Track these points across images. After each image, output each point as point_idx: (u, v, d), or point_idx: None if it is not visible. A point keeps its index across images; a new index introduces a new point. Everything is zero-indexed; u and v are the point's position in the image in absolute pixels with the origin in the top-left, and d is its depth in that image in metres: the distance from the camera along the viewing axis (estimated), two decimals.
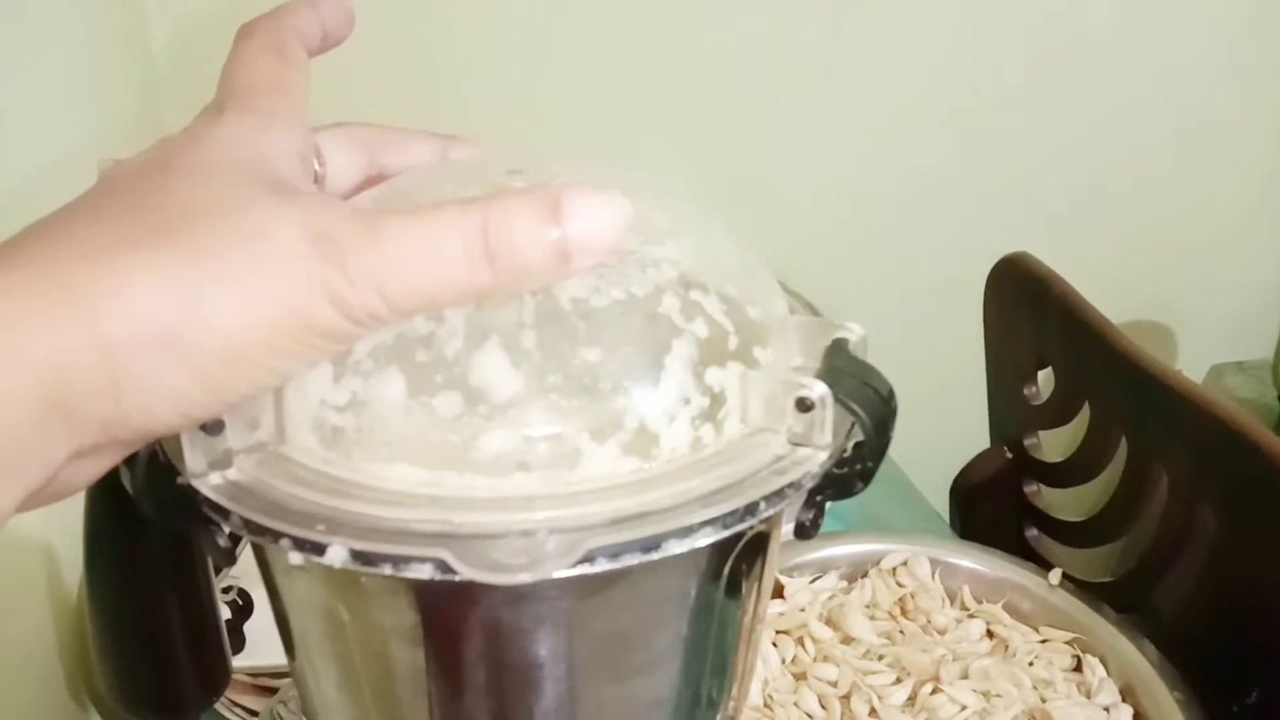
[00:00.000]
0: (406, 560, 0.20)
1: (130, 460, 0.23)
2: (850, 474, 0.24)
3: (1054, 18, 1.04)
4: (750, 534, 0.25)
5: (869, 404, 0.24)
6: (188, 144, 0.23)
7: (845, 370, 0.24)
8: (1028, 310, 0.81)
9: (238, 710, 0.63)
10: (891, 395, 0.24)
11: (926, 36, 1.03)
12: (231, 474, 0.22)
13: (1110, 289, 0.84)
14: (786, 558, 0.68)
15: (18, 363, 0.19)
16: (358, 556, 0.20)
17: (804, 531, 0.25)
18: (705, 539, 0.21)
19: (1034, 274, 0.79)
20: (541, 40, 0.97)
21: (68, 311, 0.19)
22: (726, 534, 0.21)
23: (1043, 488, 0.83)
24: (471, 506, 0.21)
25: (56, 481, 0.21)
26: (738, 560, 0.25)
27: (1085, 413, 0.77)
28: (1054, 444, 0.82)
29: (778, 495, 0.22)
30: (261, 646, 0.42)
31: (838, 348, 0.25)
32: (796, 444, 0.23)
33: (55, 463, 0.20)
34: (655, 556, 0.21)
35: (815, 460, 0.23)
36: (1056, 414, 0.80)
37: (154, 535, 0.32)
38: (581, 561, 0.20)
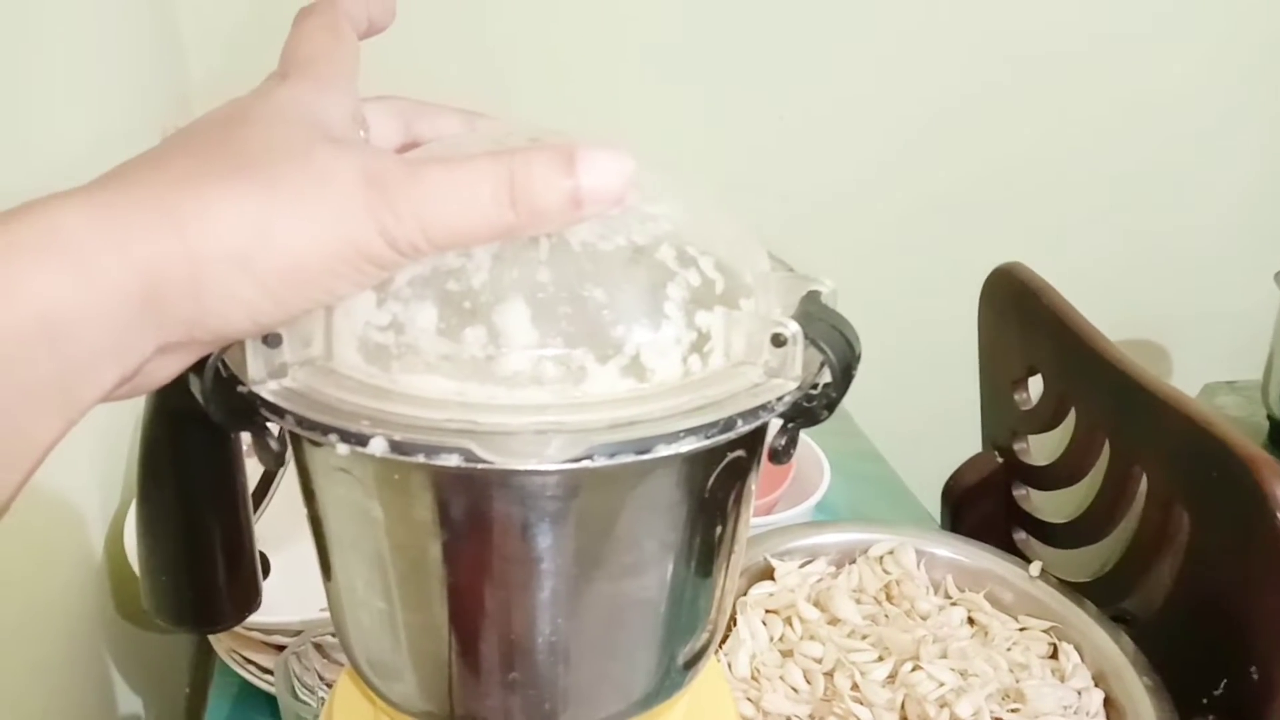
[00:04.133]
0: (437, 450, 0.24)
1: (199, 371, 0.27)
2: (817, 405, 0.28)
3: (1058, 33, 1.08)
4: (730, 458, 0.28)
5: (835, 344, 0.27)
6: (259, 100, 0.27)
7: (816, 315, 0.28)
8: (1019, 319, 0.84)
9: (251, 668, 0.66)
10: (856, 339, 0.28)
11: (928, 49, 1.07)
12: (287, 382, 0.26)
13: (1107, 309, 0.87)
14: (779, 543, 0.72)
15: (125, 263, 0.22)
16: (396, 447, 0.24)
17: (777, 456, 0.29)
18: (689, 445, 0.25)
19: (1026, 284, 0.83)
20: (553, 52, 1.02)
21: (165, 227, 0.23)
22: (708, 443, 0.25)
23: (1031, 491, 0.86)
24: (493, 411, 0.25)
25: (142, 373, 0.25)
26: (718, 480, 0.28)
27: (1071, 418, 0.80)
28: (1041, 448, 0.85)
29: (752, 413, 0.26)
30: (277, 605, 0.46)
31: (811, 298, 0.29)
32: (771, 375, 0.27)
33: (145, 353, 0.24)
34: (646, 457, 0.24)
35: (786, 388, 0.27)
36: (1045, 419, 0.83)
37: (202, 464, 0.36)
38: (584, 457, 0.24)
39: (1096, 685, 0.63)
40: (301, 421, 0.25)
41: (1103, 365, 0.75)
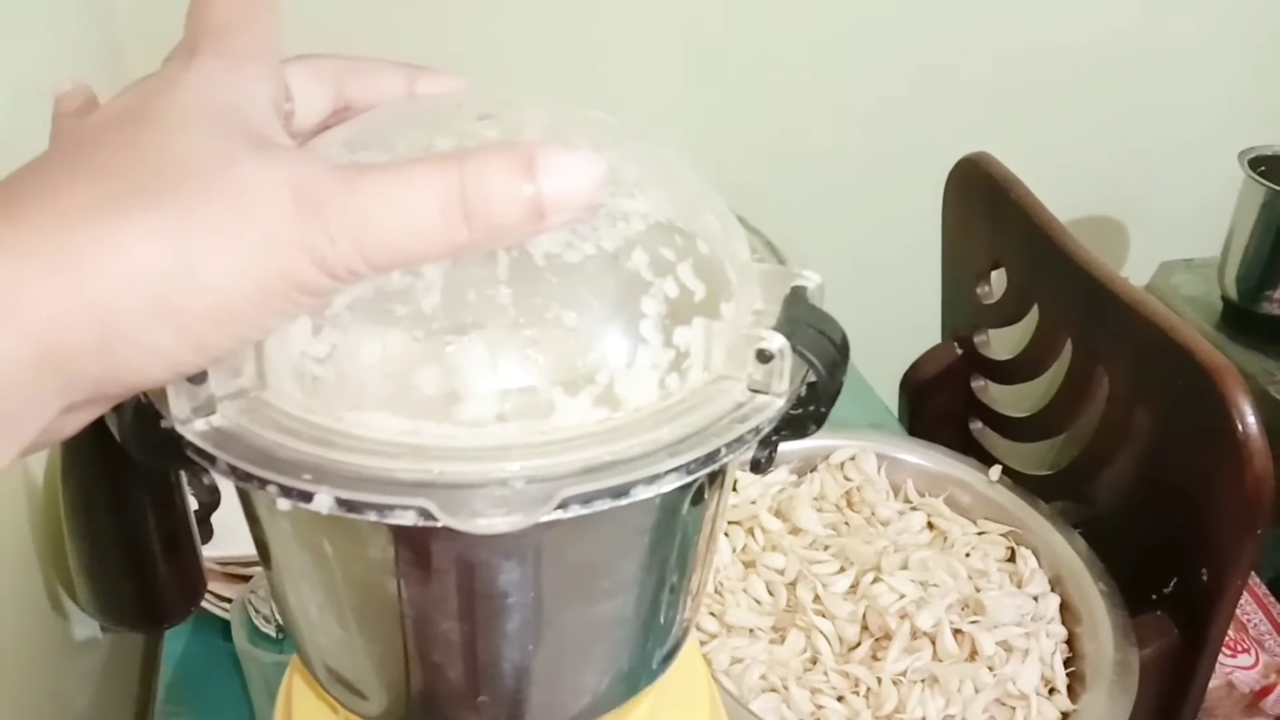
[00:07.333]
0: (390, 508, 0.21)
1: (118, 407, 0.24)
2: (804, 415, 0.26)
3: None
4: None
5: (823, 353, 0.25)
6: (163, 92, 0.23)
7: (802, 320, 0.25)
8: (986, 211, 0.82)
9: (209, 596, 0.65)
10: (845, 342, 0.26)
11: None
12: (216, 420, 0.23)
13: (1065, 184, 0.85)
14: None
15: (13, 326, 0.19)
16: (343, 504, 0.21)
17: (759, 467, 0.27)
18: (670, 484, 0.23)
19: (994, 176, 0.80)
20: None
21: (61, 276, 0.19)
22: (690, 479, 0.23)
23: (989, 383, 0.86)
24: (451, 456, 0.22)
25: (45, 432, 0.21)
26: (697, 493, 0.26)
27: (1034, 314, 0.79)
28: (1003, 343, 0.84)
29: (738, 441, 0.24)
30: (231, 536, 0.44)
31: (796, 296, 0.26)
32: (756, 390, 0.25)
33: (48, 419, 0.21)
34: (624, 502, 0.22)
35: (773, 406, 0.24)
36: (1007, 313, 0.82)
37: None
38: (556, 509, 0.21)
39: (1053, 589, 0.65)
40: (236, 472, 0.22)
41: (1069, 263, 0.73)
